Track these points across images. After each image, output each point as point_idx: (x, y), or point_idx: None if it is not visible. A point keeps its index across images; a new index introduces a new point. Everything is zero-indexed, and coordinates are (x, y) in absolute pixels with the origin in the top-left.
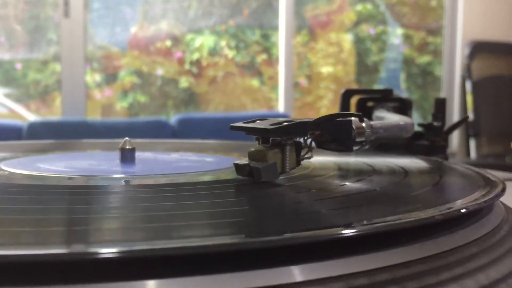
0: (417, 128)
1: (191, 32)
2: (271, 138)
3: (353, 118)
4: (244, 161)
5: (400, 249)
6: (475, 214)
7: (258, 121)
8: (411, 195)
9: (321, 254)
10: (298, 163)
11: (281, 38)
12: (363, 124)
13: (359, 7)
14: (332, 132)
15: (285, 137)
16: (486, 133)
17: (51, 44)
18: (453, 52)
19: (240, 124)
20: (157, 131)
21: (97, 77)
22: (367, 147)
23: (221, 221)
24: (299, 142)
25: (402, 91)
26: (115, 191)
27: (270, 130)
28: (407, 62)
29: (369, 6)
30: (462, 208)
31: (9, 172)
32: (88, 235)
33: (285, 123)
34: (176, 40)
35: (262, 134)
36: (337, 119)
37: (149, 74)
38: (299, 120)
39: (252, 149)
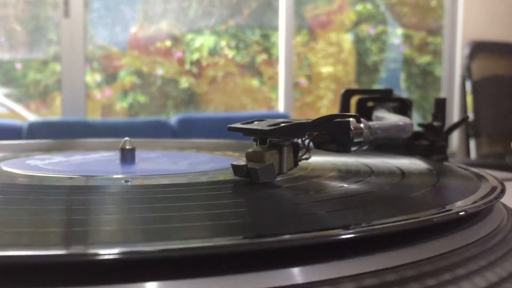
0: (417, 128)
1: (191, 32)
2: (268, 139)
3: (351, 119)
4: (242, 162)
5: (398, 251)
6: (474, 216)
7: (255, 122)
8: (410, 196)
9: (320, 255)
10: (295, 164)
11: (281, 38)
12: (361, 125)
13: (359, 7)
14: (330, 133)
15: (282, 138)
16: (486, 133)
17: (51, 44)
18: (453, 52)
19: (238, 125)
20: (157, 131)
21: (97, 77)
22: (365, 147)
23: (219, 222)
24: (297, 143)
25: (402, 91)
26: (115, 192)
27: (267, 131)
28: (407, 62)
29: (369, 6)
30: (461, 211)
31: (9, 172)
32: (87, 236)
33: (283, 124)
34: (176, 40)
35: (259, 135)
36: (335, 120)
37: (149, 74)
38: (296, 121)
39: (250, 150)
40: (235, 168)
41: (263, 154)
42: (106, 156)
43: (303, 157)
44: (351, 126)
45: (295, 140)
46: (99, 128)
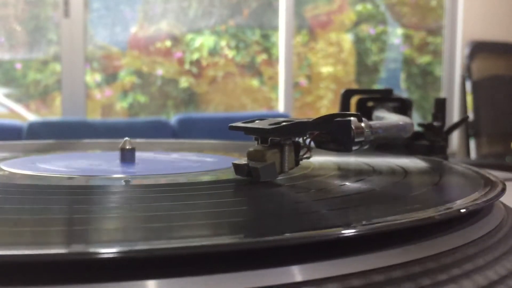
0: (417, 128)
1: (191, 32)
2: (270, 138)
3: (352, 118)
4: (243, 161)
5: (399, 249)
6: (474, 214)
7: (257, 121)
8: (411, 195)
9: (320, 254)
10: (297, 163)
11: (281, 38)
12: (362, 124)
13: (359, 7)
14: (331, 132)
15: (283, 137)
16: (486, 133)
17: (51, 44)
18: (453, 52)
19: (239, 124)
20: (157, 131)
21: (97, 77)
22: (366, 147)
23: (220, 221)
24: (298, 142)
25: (402, 91)
26: (115, 191)
27: (269, 130)
28: (407, 62)
29: (369, 6)
30: (461, 208)
31: (9, 172)
32: (88, 235)
33: (284, 123)
34: (176, 40)
35: (260, 134)
36: (336, 119)
37: (149, 74)
38: (297, 120)
39: (251, 149)
40: (237, 167)
41: (264, 153)
42: (106, 156)
43: (304, 156)
44: (352, 126)
45: (296, 139)
46: (99, 128)
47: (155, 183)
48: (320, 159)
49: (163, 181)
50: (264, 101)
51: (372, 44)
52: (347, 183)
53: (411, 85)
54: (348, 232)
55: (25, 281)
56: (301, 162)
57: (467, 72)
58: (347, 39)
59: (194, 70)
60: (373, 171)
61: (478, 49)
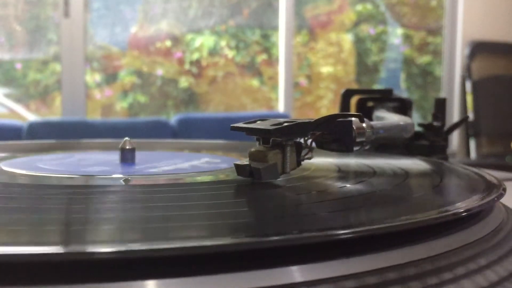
0: (417, 128)
1: (191, 32)
2: (271, 139)
3: (353, 119)
4: (245, 161)
5: (399, 250)
6: (475, 216)
7: (258, 122)
8: (411, 197)
9: (321, 254)
10: (298, 163)
11: (281, 38)
12: (364, 125)
13: (359, 7)
14: (333, 133)
15: (285, 137)
16: (486, 133)
17: (51, 44)
18: (453, 52)
19: (241, 124)
20: (157, 131)
21: (97, 77)
22: (367, 147)
23: (221, 221)
24: (300, 142)
25: (402, 91)
26: (114, 191)
27: (271, 130)
28: (407, 62)
29: (369, 6)
30: (462, 211)
31: (9, 172)
32: (87, 234)
33: (286, 124)
34: (176, 40)
35: (263, 135)
36: (338, 120)
37: (149, 74)
38: (299, 121)
39: (253, 150)
40: (238, 167)
41: (266, 153)
42: (106, 156)
43: (306, 156)
44: (353, 126)
45: (298, 139)
46: (99, 128)
47: (154, 183)
48: (321, 160)
49: (162, 181)
50: (264, 101)
51: (372, 44)
52: (348, 185)
53: (411, 85)
54: (348, 233)
55: (25, 280)
56: (302, 163)
57: (467, 72)
58: (347, 39)
59: (194, 70)
60: (374, 173)
61: (478, 49)
